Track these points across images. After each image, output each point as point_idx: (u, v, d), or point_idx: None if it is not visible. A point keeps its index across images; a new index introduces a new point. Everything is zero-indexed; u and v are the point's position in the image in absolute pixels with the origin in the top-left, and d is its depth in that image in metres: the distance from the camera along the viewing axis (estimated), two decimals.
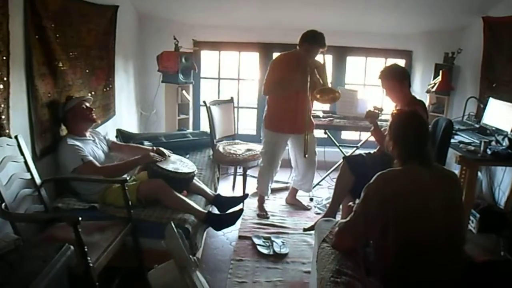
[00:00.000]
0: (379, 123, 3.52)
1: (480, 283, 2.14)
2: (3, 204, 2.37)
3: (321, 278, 1.94)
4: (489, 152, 3.45)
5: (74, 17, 3.45)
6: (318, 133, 5.00)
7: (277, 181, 4.77)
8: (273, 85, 3.93)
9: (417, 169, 2.03)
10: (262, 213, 4.19)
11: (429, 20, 5.00)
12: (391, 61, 5.52)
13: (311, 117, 4.18)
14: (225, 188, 4.88)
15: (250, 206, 4.20)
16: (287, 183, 5.04)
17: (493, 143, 3.64)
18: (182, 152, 4.00)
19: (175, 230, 2.41)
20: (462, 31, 5.07)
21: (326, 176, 5.13)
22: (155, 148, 3.47)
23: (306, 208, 4.47)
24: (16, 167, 2.60)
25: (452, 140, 3.67)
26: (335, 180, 3.74)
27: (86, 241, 2.19)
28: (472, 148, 3.56)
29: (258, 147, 4.48)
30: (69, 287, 1.93)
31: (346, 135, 5.90)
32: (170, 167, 3.25)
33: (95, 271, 2.24)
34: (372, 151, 3.70)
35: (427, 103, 4.81)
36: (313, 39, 3.81)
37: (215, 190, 4.01)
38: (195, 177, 3.46)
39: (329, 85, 3.93)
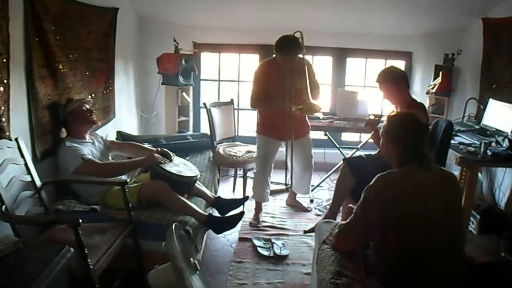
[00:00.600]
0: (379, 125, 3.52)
1: (481, 285, 2.13)
2: (3, 206, 2.36)
3: (321, 279, 1.93)
4: (489, 153, 3.45)
5: (74, 20, 3.45)
6: (318, 135, 5.00)
7: (275, 183, 4.76)
8: (258, 101, 3.88)
9: (417, 171, 2.03)
10: (255, 222, 4.09)
11: (429, 21, 5.00)
12: (391, 63, 5.53)
13: (307, 119, 4.17)
14: (226, 190, 4.88)
15: (250, 208, 4.19)
16: (286, 184, 5.03)
17: (493, 144, 3.64)
18: (182, 154, 3.99)
19: (174, 232, 2.41)
20: (462, 32, 5.08)
21: (327, 177, 5.12)
22: (159, 149, 3.47)
23: (306, 210, 4.46)
24: (16, 169, 2.60)
25: (452, 141, 3.67)
26: (335, 181, 3.74)
27: (86, 243, 2.19)
28: (472, 149, 3.56)
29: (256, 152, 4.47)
30: None
31: (346, 136, 5.90)
32: (173, 169, 3.25)
33: (95, 273, 2.24)
34: (372, 153, 3.70)
35: (427, 105, 4.83)
36: (285, 50, 3.67)
37: (216, 192, 4.01)
38: None
39: (309, 95, 3.72)
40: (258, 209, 4.21)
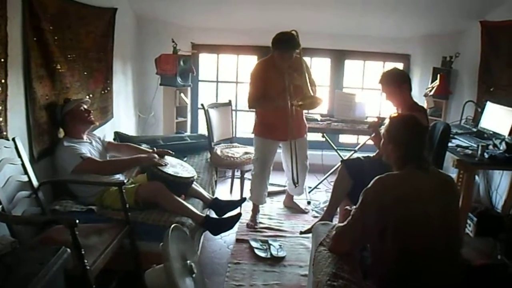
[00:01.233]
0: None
1: (477, 287, 2.14)
2: (0, 207, 2.37)
3: (317, 281, 1.93)
4: (486, 156, 3.45)
5: (72, 20, 3.44)
6: (316, 137, 5.00)
7: (273, 184, 4.76)
8: (256, 101, 3.84)
9: (415, 174, 2.03)
10: (252, 224, 4.08)
11: (427, 23, 5.02)
12: (389, 65, 5.54)
13: (304, 120, 4.16)
14: (223, 191, 4.88)
15: (247, 209, 4.19)
16: (284, 186, 5.03)
17: (491, 147, 3.65)
18: (180, 155, 3.99)
19: (171, 233, 2.41)
20: (460, 35, 5.09)
21: (324, 179, 5.13)
22: (155, 149, 3.47)
23: (303, 211, 4.45)
24: (13, 169, 2.59)
25: (450, 144, 3.68)
26: (332, 183, 3.74)
27: (83, 243, 2.19)
28: (470, 152, 3.56)
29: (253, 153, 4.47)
30: None
31: (344, 138, 5.89)
32: (170, 170, 3.25)
33: (92, 273, 2.24)
34: (370, 155, 3.70)
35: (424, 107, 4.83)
36: (282, 45, 3.65)
37: (213, 193, 4.01)
38: None
39: (310, 89, 3.72)
40: (255, 210, 4.20)
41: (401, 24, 5.08)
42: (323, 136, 5.03)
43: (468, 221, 3.85)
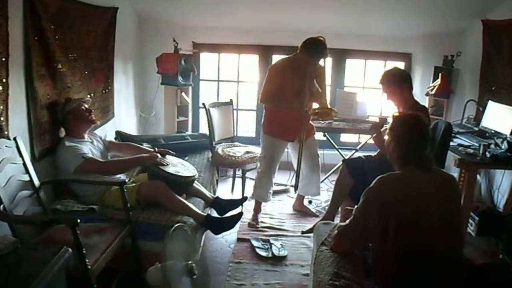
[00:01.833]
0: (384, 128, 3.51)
1: (479, 286, 2.13)
2: (1, 206, 2.36)
3: (319, 281, 1.93)
4: (488, 155, 3.45)
5: (73, 19, 3.44)
6: (318, 136, 4.99)
7: (276, 184, 4.75)
8: (271, 97, 3.79)
9: (417, 173, 2.03)
10: (253, 223, 4.07)
11: (428, 22, 5.01)
12: (390, 64, 5.54)
13: (311, 122, 4.15)
14: (224, 191, 4.88)
15: (249, 208, 4.18)
16: (286, 185, 5.03)
17: (492, 146, 3.64)
18: (181, 154, 3.99)
19: (172, 233, 2.41)
20: (462, 34, 5.08)
21: (325, 178, 5.12)
22: (156, 149, 3.47)
23: (315, 215, 4.32)
24: (15, 168, 2.59)
25: (451, 143, 3.67)
26: (334, 182, 3.74)
27: (84, 243, 2.19)
28: (471, 151, 3.56)
29: (257, 150, 4.47)
30: None
31: (345, 137, 5.90)
32: (171, 170, 3.25)
33: (94, 273, 2.24)
34: (372, 154, 3.70)
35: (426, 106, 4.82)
36: (314, 52, 3.65)
37: (214, 192, 4.01)
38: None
39: (327, 96, 3.81)
40: (257, 209, 4.19)
41: (402, 23, 5.08)
42: (324, 135, 5.03)
43: (470, 221, 3.84)
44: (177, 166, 3.36)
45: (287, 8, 4.82)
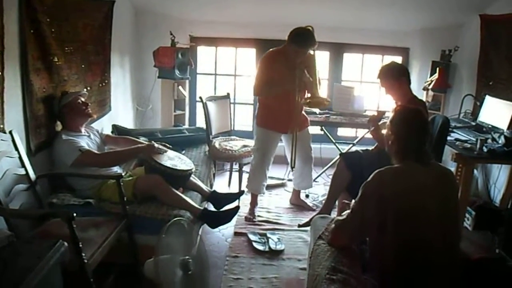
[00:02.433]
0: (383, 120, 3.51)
1: (475, 281, 2.14)
2: None
3: (316, 275, 1.94)
4: (485, 149, 3.45)
5: (70, 12, 3.42)
6: (315, 130, 5.00)
7: (272, 178, 4.76)
8: (263, 87, 3.79)
9: (415, 167, 2.02)
10: (250, 217, 4.07)
11: (426, 17, 5.00)
12: (388, 58, 5.53)
13: (305, 113, 4.14)
14: (221, 184, 4.88)
15: (246, 202, 4.19)
16: (282, 179, 5.03)
17: (489, 140, 3.65)
18: (178, 148, 3.98)
19: (168, 227, 2.41)
20: (459, 28, 5.07)
21: (322, 172, 5.13)
22: (153, 142, 3.46)
23: (311, 209, 4.33)
24: (11, 162, 2.58)
25: (449, 138, 3.68)
26: (331, 176, 3.74)
27: (80, 237, 2.18)
28: (468, 145, 3.57)
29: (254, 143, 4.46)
30: (63, 283, 1.91)
31: (342, 131, 5.89)
32: (168, 163, 3.24)
33: (90, 267, 2.24)
34: (369, 148, 3.70)
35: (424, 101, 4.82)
36: (301, 42, 3.63)
37: (211, 186, 4.00)
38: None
39: (318, 86, 3.79)
40: (254, 203, 4.20)
41: (400, 17, 5.06)
42: (321, 129, 5.03)
43: (467, 215, 3.86)
44: (174, 159, 3.36)
45: (284, 1, 4.80)
